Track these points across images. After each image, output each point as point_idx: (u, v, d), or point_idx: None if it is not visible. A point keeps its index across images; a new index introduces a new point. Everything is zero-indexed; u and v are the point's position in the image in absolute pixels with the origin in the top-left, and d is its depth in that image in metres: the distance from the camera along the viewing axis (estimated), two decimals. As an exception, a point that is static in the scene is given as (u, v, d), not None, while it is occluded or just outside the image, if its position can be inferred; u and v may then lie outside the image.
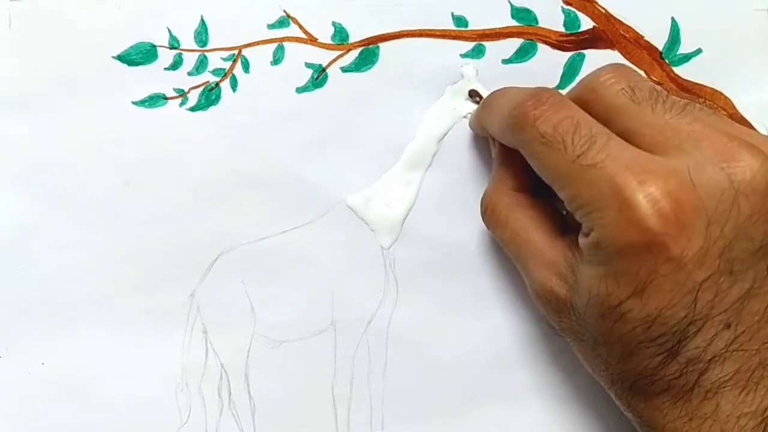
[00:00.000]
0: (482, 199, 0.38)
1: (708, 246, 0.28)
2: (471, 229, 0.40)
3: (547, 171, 0.32)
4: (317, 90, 0.40)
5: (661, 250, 0.28)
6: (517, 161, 0.35)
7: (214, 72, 0.39)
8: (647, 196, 0.28)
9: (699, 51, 0.40)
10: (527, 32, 0.39)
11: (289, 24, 0.39)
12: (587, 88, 0.33)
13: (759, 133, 0.31)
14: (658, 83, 0.36)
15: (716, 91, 0.40)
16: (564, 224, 0.35)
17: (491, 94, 0.37)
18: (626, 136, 0.31)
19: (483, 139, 0.40)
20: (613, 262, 0.30)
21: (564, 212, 0.36)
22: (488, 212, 0.37)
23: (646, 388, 0.31)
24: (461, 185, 0.40)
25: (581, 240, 0.31)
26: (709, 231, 0.28)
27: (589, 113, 0.32)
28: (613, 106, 0.32)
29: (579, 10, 0.39)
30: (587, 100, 0.33)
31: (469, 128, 0.40)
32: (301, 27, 0.39)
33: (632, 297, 0.29)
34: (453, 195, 0.40)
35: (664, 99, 0.31)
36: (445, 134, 0.40)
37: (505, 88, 0.37)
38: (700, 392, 0.30)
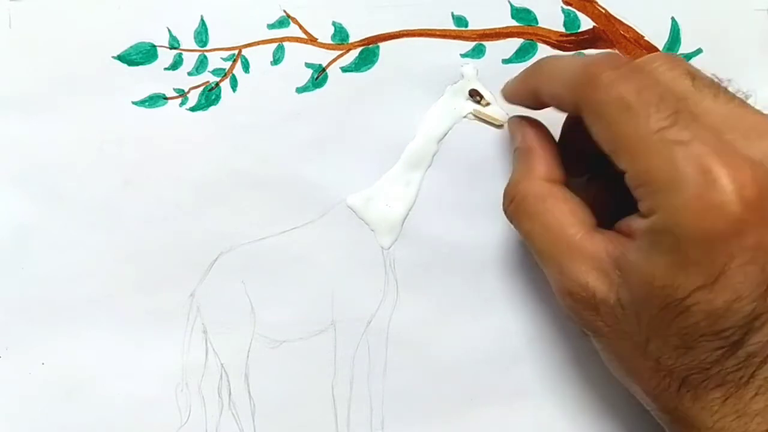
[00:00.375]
0: (507, 189, 0.35)
1: None
2: (471, 229, 0.40)
3: (618, 137, 0.29)
4: (317, 90, 0.40)
5: (740, 237, 0.27)
6: (549, 150, 0.34)
7: (214, 72, 0.39)
8: (734, 180, 0.27)
9: (699, 51, 0.40)
10: (527, 32, 0.39)
11: (289, 24, 0.39)
12: (641, 71, 0.31)
13: None
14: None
15: (716, 91, 0.40)
16: (594, 219, 0.34)
17: (542, 59, 0.35)
18: None
19: (483, 139, 0.40)
20: (684, 250, 0.28)
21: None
22: (516, 202, 0.35)
23: (698, 384, 0.30)
24: (461, 185, 0.40)
25: (638, 223, 0.29)
26: None
27: None
28: (674, 91, 0.30)
29: (579, 10, 0.39)
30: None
31: (469, 126, 0.40)
32: (301, 27, 0.39)
33: (701, 289, 0.28)
34: (453, 195, 0.40)
35: (725, 89, 0.31)
36: (445, 134, 0.40)
37: (555, 55, 0.35)
38: (751, 388, 0.29)
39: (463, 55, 0.39)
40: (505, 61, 0.39)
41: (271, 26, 0.39)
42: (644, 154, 0.29)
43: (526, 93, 0.35)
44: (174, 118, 0.39)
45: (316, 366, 0.40)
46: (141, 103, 0.39)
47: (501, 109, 0.39)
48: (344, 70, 0.39)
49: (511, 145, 0.37)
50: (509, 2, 0.39)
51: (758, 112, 0.31)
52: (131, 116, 0.39)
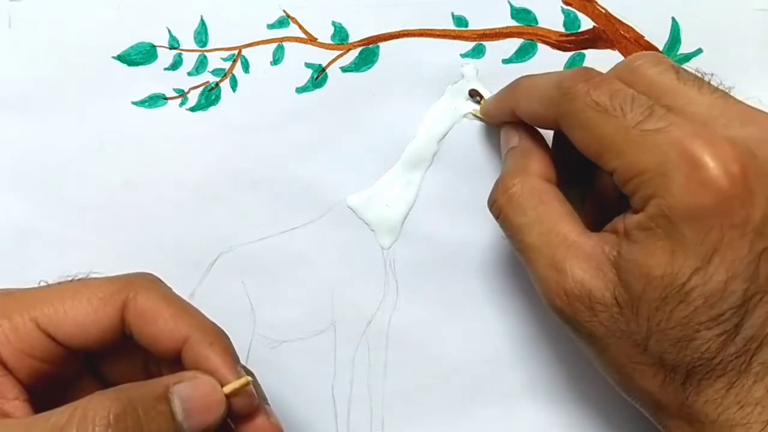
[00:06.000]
0: (501, 181, 0.35)
1: None
2: (471, 229, 0.40)
3: (600, 139, 0.31)
4: (317, 90, 0.40)
5: (729, 213, 0.28)
6: (542, 151, 0.35)
7: (214, 72, 0.39)
8: (717, 158, 0.28)
9: (699, 51, 0.40)
10: (527, 32, 0.39)
11: (288, 24, 0.39)
12: (627, 69, 0.33)
13: None
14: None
15: (717, 90, 0.40)
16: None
17: (518, 78, 0.36)
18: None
19: (483, 139, 0.40)
20: (679, 230, 0.29)
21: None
22: (509, 194, 0.34)
23: (702, 377, 0.30)
24: (461, 185, 0.40)
25: (631, 219, 0.30)
26: None
27: None
28: (659, 84, 0.32)
29: (579, 10, 0.39)
30: (628, 81, 0.32)
31: (469, 126, 0.40)
32: (300, 27, 0.39)
33: (699, 271, 0.29)
34: (453, 195, 0.40)
35: (709, 81, 0.32)
36: (445, 134, 0.40)
37: (531, 74, 0.36)
38: (750, 375, 0.30)
39: (463, 55, 0.39)
40: (505, 61, 0.39)
41: (271, 26, 0.39)
42: (627, 148, 0.30)
43: (505, 112, 0.36)
44: (174, 118, 0.39)
45: (316, 366, 0.40)
46: (141, 103, 0.39)
47: (501, 109, 0.39)
48: (344, 70, 0.39)
49: (503, 147, 0.37)
50: (509, 2, 0.39)
51: (741, 103, 0.32)
52: (131, 116, 0.39)
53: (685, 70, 0.32)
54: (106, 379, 0.34)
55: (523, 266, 0.35)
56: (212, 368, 0.31)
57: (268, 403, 0.33)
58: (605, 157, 0.31)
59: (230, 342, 0.32)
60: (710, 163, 0.28)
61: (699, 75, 0.32)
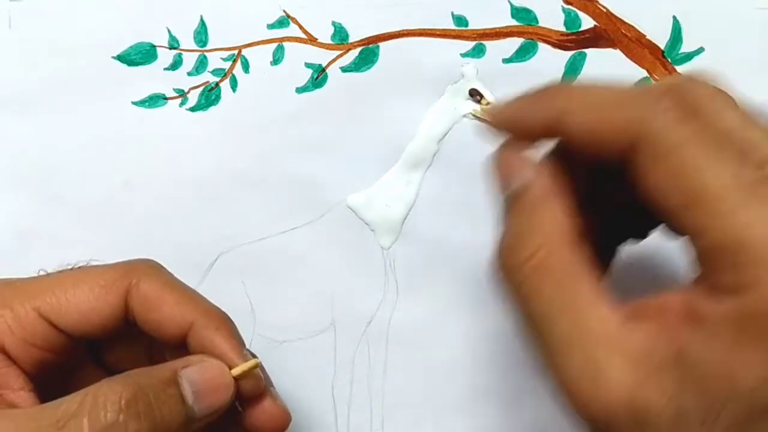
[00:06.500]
0: (515, 245, 0.27)
1: None
2: (471, 229, 0.40)
3: (694, 190, 0.23)
4: (317, 90, 0.39)
5: None
6: (566, 195, 0.27)
7: (214, 72, 0.39)
8: None
9: (701, 50, 0.39)
10: (527, 32, 0.39)
11: (288, 24, 0.39)
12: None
13: None
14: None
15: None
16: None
17: (561, 84, 0.29)
18: None
19: (483, 139, 0.39)
20: None
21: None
22: (531, 269, 0.26)
23: None
24: (461, 185, 0.40)
25: (711, 303, 0.23)
26: None
27: None
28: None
29: (580, 10, 0.39)
30: None
31: (469, 126, 0.39)
32: (300, 27, 0.39)
33: None
34: (453, 195, 0.40)
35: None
36: (445, 134, 0.40)
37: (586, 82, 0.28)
38: None
39: (463, 55, 0.39)
40: (506, 61, 0.39)
41: (271, 26, 0.39)
42: (733, 211, 0.22)
43: (538, 122, 0.27)
44: (174, 118, 0.39)
45: (316, 366, 0.40)
46: (141, 103, 0.39)
47: (501, 109, 0.39)
48: (344, 70, 0.39)
49: (502, 182, 0.29)
50: (509, 2, 0.39)
51: None
52: (131, 116, 0.39)
53: (745, 108, 0.25)
54: (109, 367, 0.34)
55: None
56: (219, 352, 0.31)
57: (273, 387, 0.33)
58: (694, 213, 0.23)
59: (235, 326, 0.32)
60: None
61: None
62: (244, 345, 0.32)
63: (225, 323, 0.32)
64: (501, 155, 0.29)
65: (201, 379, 0.30)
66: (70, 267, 0.33)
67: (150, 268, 0.32)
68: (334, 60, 0.39)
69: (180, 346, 0.32)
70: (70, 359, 0.32)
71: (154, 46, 0.39)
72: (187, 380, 0.29)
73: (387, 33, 0.39)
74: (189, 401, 0.29)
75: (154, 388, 0.28)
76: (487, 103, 0.39)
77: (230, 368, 0.30)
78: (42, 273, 0.33)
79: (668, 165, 0.23)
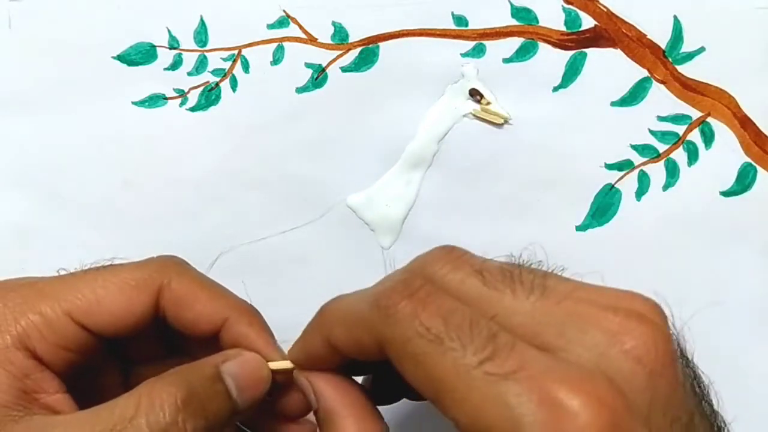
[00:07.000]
0: None
1: None
2: (471, 229, 0.39)
3: (436, 380, 0.24)
4: (317, 90, 0.39)
5: None
6: (358, 407, 0.29)
7: (214, 72, 0.39)
8: (585, 408, 0.22)
9: (702, 49, 0.39)
10: (528, 31, 0.39)
11: (288, 24, 0.39)
12: (423, 278, 0.26)
13: (622, 291, 0.26)
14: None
15: (720, 89, 0.40)
16: None
17: (328, 302, 0.29)
18: None
19: (483, 139, 0.39)
20: None
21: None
22: None
23: None
24: (461, 185, 0.39)
25: None
26: (651, 424, 0.23)
27: None
28: (464, 296, 0.25)
29: (580, 9, 0.39)
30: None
31: (469, 126, 0.39)
32: (300, 27, 0.39)
33: None
34: (453, 195, 0.40)
35: (519, 278, 0.26)
36: (445, 134, 0.39)
37: (343, 294, 0.29)
38: None
39: (464, 55, 0.39)
40: (506, 61, 0.39)
41: (271, 26, 0.39)
42: (471, 397, 0.23)
43: (317, 348, 0.29)
44: (174, 118, 0.39)
45: (315, 366, 0.40)
46: (141, 103, 0.39)
47: (502, 109, 0.39)
48: (344, 70, 0.39)
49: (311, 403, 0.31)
50: (509, 1, 0.39)
51: (567, 298, 0.25)
52: (131, 116, 0.39)
53: (490, 269, 0.26)
54: (130, 360, 0.34)
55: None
56: (256, 347, 0.31)
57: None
58: (444, 402, 0.24)
59: (264, 319, 0.33)
60: (581, 415, 0.22)
61: (508, 271, 0.26)
62: (274, 337, 0.32)
63: (256, 317, 0.32)
64: (297, 377, 0.31)
65: (242, 372, 0.30)
66: (87, 266, 0.33)
67: (178, 265, 0.32)
68: (334, 60, 0.39)
69: (209, 340, 0.32)
70: (96, 357, 0.32)
71: (154, 46, 0.39)
72: (229, 375, 0.29)
73: (387, 33, 0.39)
74: (234, 395, 0.29)
75: (203, 384, 0.28)
76: (488, 103, 0.39)
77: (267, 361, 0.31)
78: (62, 272, 0.33)
79: (411, 364, 0.24)
